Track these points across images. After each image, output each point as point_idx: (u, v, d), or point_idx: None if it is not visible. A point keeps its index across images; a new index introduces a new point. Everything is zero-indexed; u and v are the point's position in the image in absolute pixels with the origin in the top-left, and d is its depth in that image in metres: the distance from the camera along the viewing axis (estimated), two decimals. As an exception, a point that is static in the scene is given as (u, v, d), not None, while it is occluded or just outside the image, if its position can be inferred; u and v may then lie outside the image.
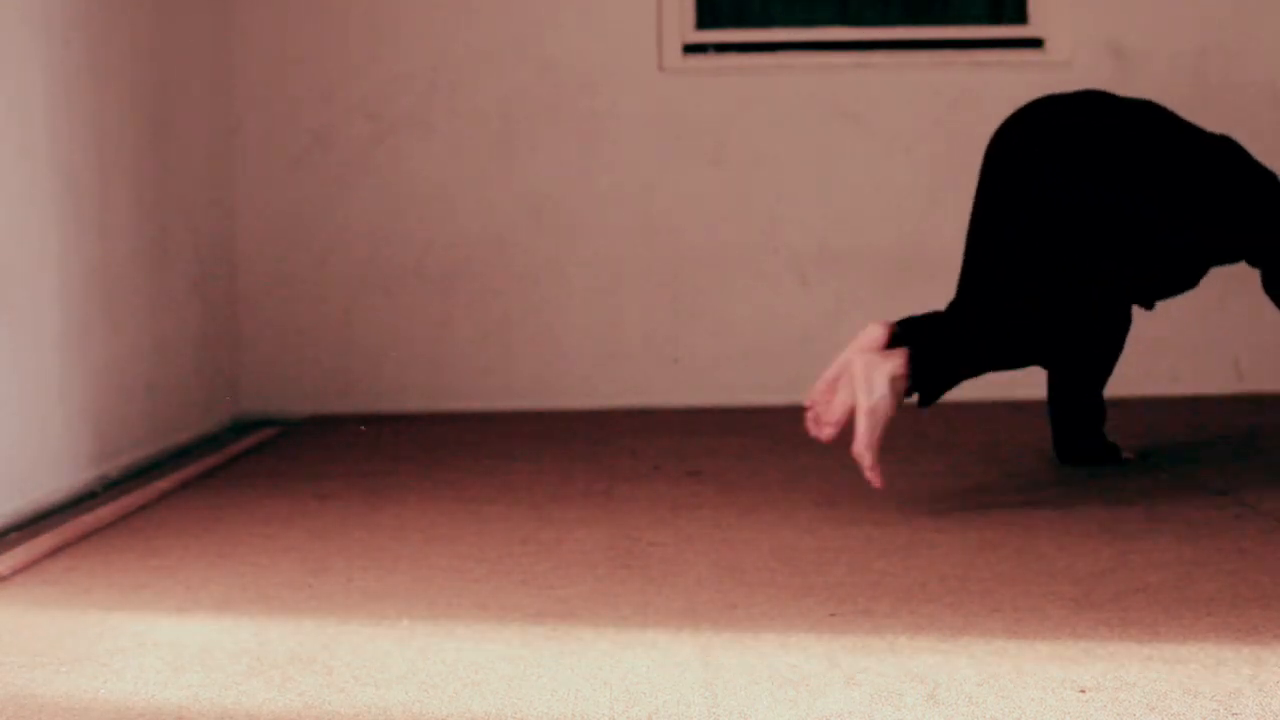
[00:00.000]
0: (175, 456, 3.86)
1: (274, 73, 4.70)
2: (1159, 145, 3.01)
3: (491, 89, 4.72)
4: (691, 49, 4.80)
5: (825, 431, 2.91)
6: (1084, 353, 3.33)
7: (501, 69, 4.72)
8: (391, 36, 4.71)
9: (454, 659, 1.98)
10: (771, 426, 4.18)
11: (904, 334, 2.93)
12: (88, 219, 3.39)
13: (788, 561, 2.52)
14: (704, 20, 4.83)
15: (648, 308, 4.74)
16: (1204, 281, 4.71)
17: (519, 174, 4.73)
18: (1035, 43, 4.83)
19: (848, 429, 2.88)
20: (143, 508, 3.15)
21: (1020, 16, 4.85)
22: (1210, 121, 4.71)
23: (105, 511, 3.01)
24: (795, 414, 3.16)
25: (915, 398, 2.98)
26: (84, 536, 2.84)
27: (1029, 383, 3.83)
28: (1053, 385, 3.43)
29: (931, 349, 2.89)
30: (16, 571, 2.55)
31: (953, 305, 3.05)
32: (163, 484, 3.35)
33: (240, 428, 4.48)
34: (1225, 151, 3.04)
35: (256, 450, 3.98)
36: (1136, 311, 3.53)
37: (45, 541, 2.73)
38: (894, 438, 3.88)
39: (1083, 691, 1.78)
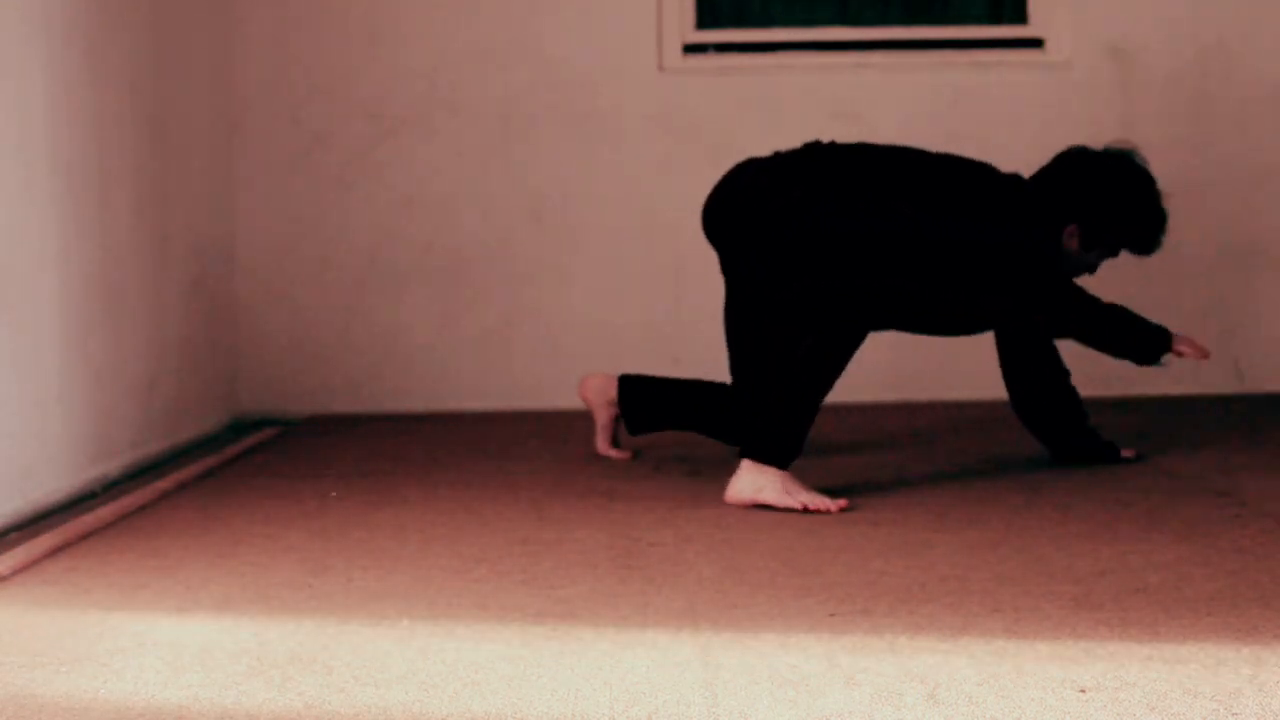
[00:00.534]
0: (175, 456, 3.86)
1: (274, 73, 4.70)
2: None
3: (492, 89, 4.72)
4: (691, 49, 4.80)
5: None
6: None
7: (502, 69, 4.72)
8: (391, 36, 4.71)
9: (454, 659, 1.98)
10: (771, 426, 4.17)
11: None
12: (87, 219, 3.39)
13: (788, 561, 2.52)
14: (704, 20, 4.83)
15: (648, 308, 4.74)
16: (1204, 281, 4.76)
17: (519, 174, 4.73)
18: (1035, 43, 4.83)
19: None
20: (143, 508, 3.15)
21: (1020, 16, 4.85)
22: (1210, 121, 4.74)
23: (105, 511, 3.01)
24: (795, 414, 3.15)
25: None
26: (84, 536, 2.84)
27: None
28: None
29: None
30: (16, 571, 2.55)
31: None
32: (162, 484, 3.35)
33: (240, 428, 4.48)
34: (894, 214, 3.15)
35: (256, 450, 3.98)
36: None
37: (45, 541, 2.73)
38: (894, 437, 3.88)
39: (1083, 691, 1.78)
